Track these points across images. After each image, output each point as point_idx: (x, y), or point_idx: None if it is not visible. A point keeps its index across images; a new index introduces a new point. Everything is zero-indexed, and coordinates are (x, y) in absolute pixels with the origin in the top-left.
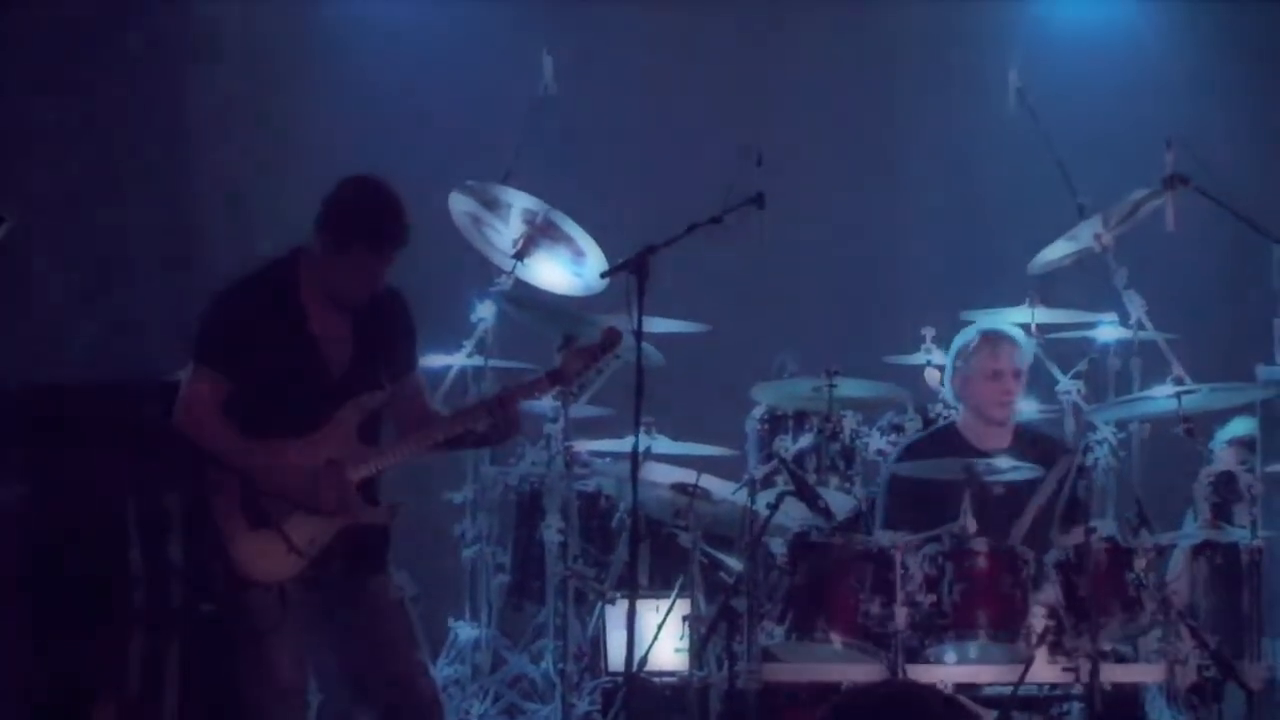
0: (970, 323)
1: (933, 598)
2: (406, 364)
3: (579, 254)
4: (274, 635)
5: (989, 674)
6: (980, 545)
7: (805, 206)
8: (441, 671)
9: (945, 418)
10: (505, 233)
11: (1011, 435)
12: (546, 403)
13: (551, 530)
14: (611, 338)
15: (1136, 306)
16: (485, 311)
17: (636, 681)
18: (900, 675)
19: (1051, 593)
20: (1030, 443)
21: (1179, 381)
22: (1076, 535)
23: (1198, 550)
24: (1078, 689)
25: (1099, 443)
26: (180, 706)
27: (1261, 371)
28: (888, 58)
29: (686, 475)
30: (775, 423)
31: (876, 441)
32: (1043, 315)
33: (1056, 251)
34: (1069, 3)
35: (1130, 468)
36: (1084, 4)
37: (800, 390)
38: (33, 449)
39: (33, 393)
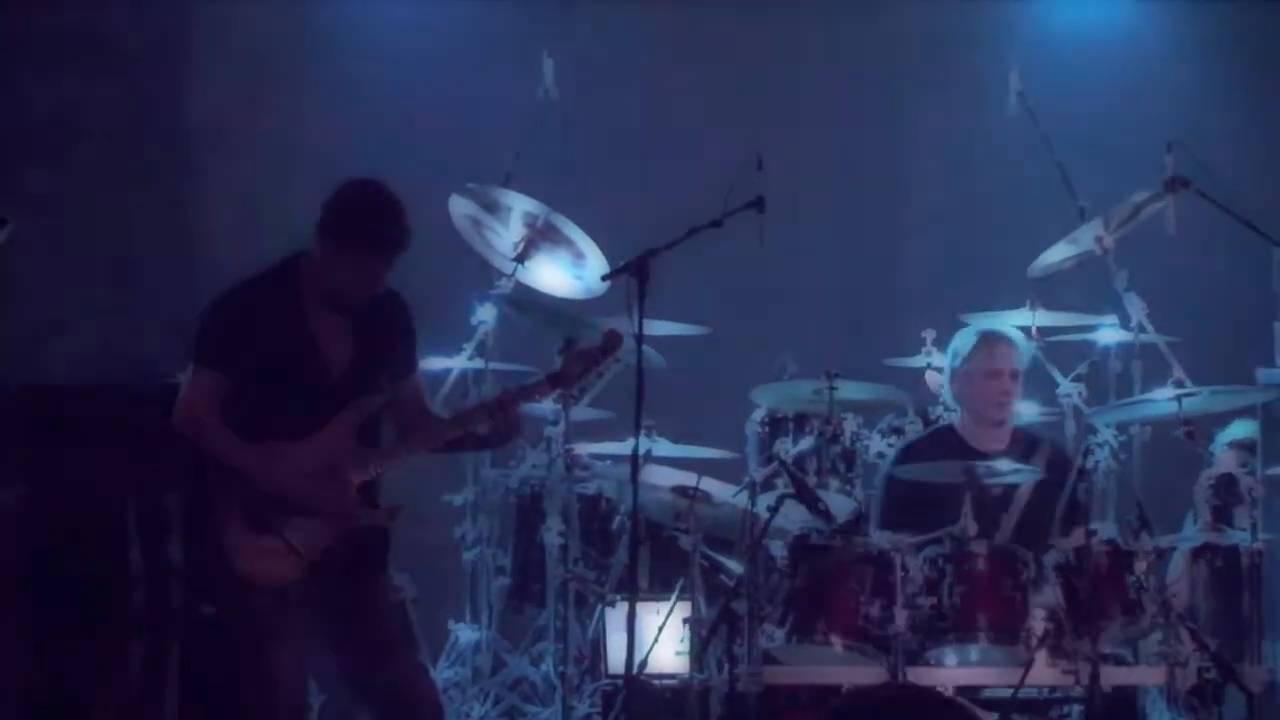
0: (968, 325)
1: (933, 600)
2: (407, 366)
3: (579, 257)
4: (274, 637)
5: (989, 676)
6: (980, 548)
7: (805, 209)
8: (442, 674)
9: (944, 420)
10: (506, 236)
11: (1009, 437)
12: (547, 405)
13: (552, 533)
14: (612, 341)
15: (1137, 309)
16: (486, 314)
17: (637, 684)
18: (901, 678)
19: (1050, 595)
20: (1028, 445)
21: (1179, 384)
22: (1077, 538)
23: (1198, 553)
24: (1078, 691)
25: (1100, 445)
26: (180, 708)
27: (1262, 374)
28: (888, 60)
29: (687, 478)
30: (775, 425)
31: (877, 444)
32: (1043, 318)
33: (1057, 254)
34: (1070, 5)
35: (1131, 470)
36: (1085, 6)
37: (800, 393)
38: (33, 450)
39: (33, 393)
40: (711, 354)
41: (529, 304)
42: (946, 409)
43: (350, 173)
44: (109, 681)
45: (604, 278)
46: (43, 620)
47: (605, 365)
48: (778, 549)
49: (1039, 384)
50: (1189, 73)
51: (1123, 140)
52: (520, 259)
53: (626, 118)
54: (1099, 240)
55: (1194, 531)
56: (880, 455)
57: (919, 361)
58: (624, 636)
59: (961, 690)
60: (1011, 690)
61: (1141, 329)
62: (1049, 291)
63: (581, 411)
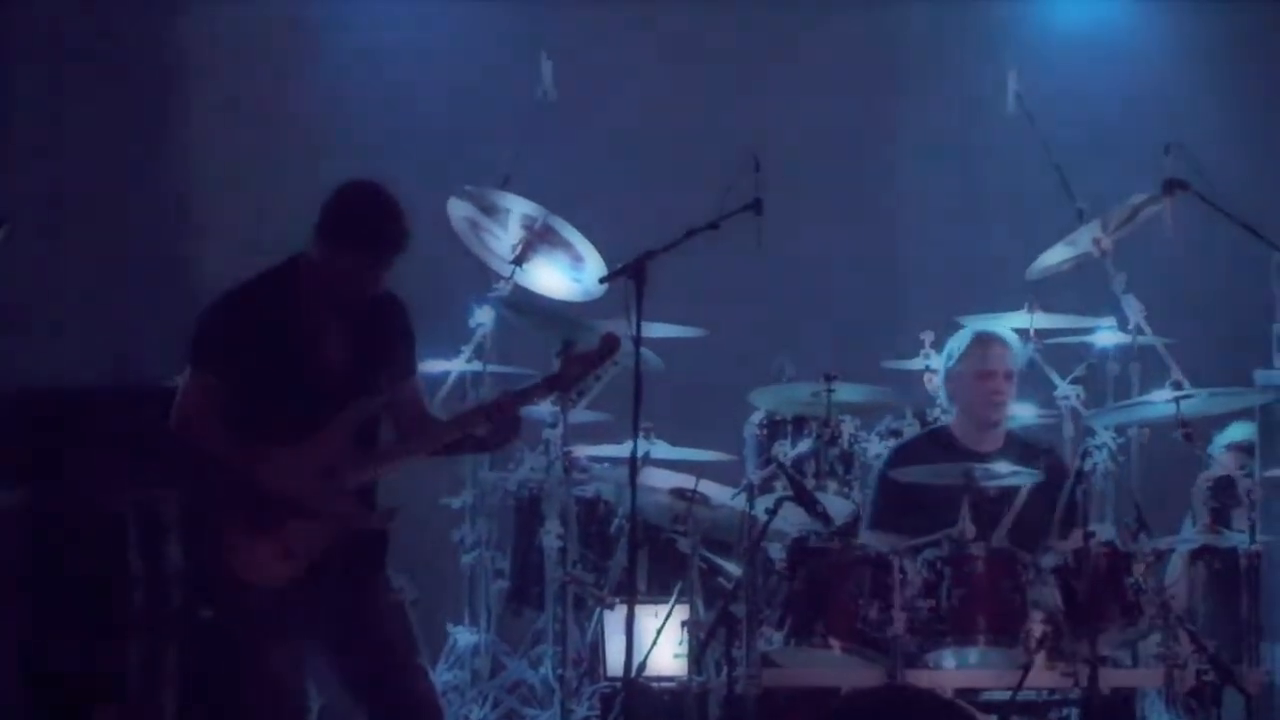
0: (965, 325)
1: (931, 602)
2: (405, 369)
3: (577, 259)
4: (273, 639)
5: (988, 679)
6: (979, 550)
7: (804, 211)
8: (440, 677)
9: (939, 421)
10: (504, 238)
11: (1004, 439)
12: (545, 408)
13: (550, 536)
14: (610, 344)
15: (1135, 311)
16: (484, 317)
17: (635, 687)
18: (899, 680)
19: (1048, 597)
20: (1021, 448)
21: (1178, 386)
22: (1075, 540)
23: (1196, 555)
24: (1076, 694)
25: (1098, 448)
26: (179, 710)
27: (1260, 376)
28: (887, 61)
29: (685, 480)
30: (774, 428)
31: (875, 446)
32: (1041, 320)
33: (1055, 256)
34: (1068, 7)
35: (1129, 472)
36: (1083, 8)
37: (798, 395)
38: (32, 452)
39: (31, 395)
40: (709, 356)
41: (527, 306)
42: (944, 410)
43: (349, 175)
44: (109, 683)
45: (602, 280)
46: (41, 621)
47: (603, 368)
48: (776, 551)
49: (1037, 386)
50: (1188, 75)
51: (1121, 142)
52: (518, 261)
53: (625, 119)
54: (1097, 242)
55: (1192, 533)
56: (879, 458)
57: (917, 364)
58: (622, 639)
59: (960, 692)
60: (1010, 692)
61: (1139, 331)
62: (1047, 293)
63: (580, 414)
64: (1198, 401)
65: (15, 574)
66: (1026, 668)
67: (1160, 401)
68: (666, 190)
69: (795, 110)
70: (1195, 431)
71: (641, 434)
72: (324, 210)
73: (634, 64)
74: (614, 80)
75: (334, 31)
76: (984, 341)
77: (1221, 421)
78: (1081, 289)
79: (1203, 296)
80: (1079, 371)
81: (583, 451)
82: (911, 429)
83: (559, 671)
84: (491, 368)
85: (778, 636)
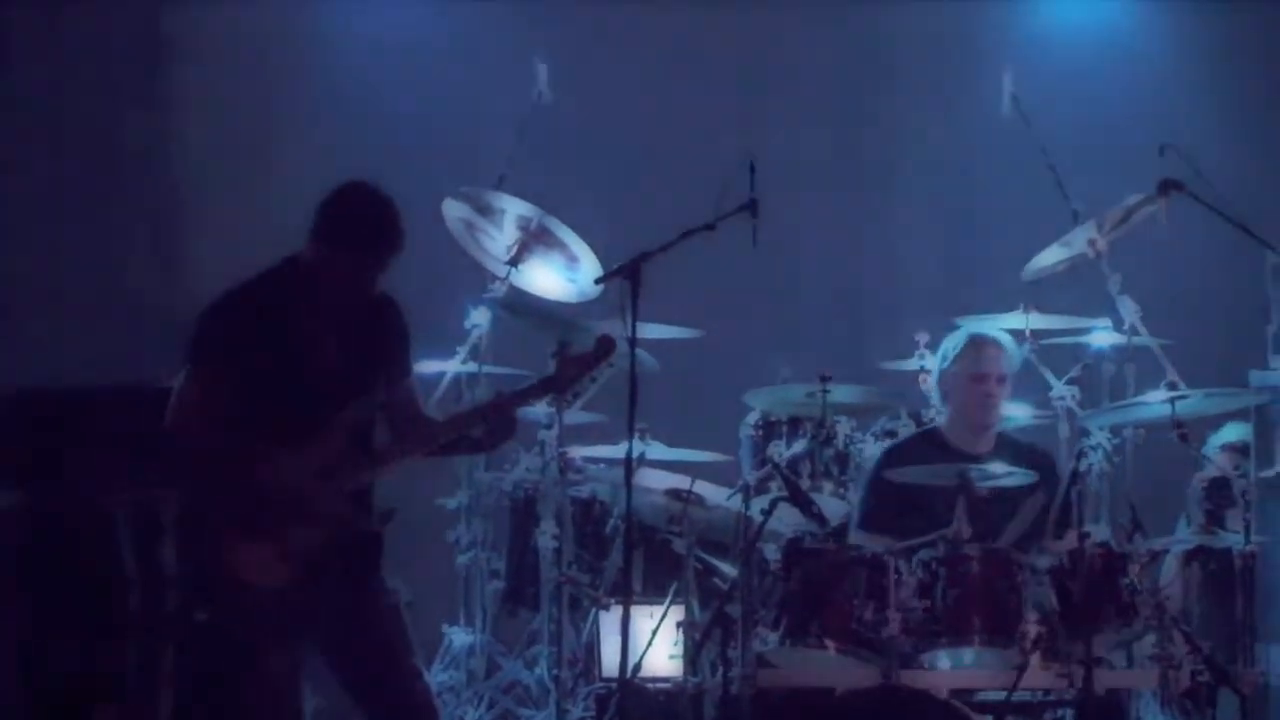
0: (960, 326)
1: (926, 603)
2: (401, 370)
3: (573, 260)
4: (269, 640)
5: (983, 679)
6: (974, 550)
7: (799, 212)
8: (436, 677)
9: (931, 422)
10: (499, 239)
11: (995, 440)
12: (541, 409)
13: (546, 536)
14: (605, 346)
15: (1130, 312)
16: (480, 318)
17: (631, 687)
18: (894, 681)
19: (1043, 597)
20: (1013, 449)
21: (1173, 387)
22: (1070, 541)
23: (1191, 555)
24: (1071, 694)
25: (1093, 448)
26: (177, 711)
27: (1255, 377)
28: (882, 63)
29: (681, 481)
30: (769, 428)
31: (870, 447)
32: (1037, 321)
33: (1050, 257)
34: (1063, 8)
35: (1124, 473)
36: (1078, 9)
37: (794, 396)
38: (27, 453)
39: (28, 396)
40: (705, 357)
41: (523, 307)
42: (938, 411)
43: (344, 177)
44: (106, 685)
45: (597, 281)
46: (39, 624)
47: (599, 370)
48: (771, 552)
49: (1032, 387)
50: (1183, 76)
51: (1116, 143)
52: (514, 262)
53: (620, 121)
54: (1092, 243)
55: (1187, 534)
56: (874, 459)
57: (912, 364)
58: (618, 640)
59: (955, 693)
60: (1005, 693)
61: (1135, 332)
62: (1043, 294)
63: (575, 415)
64: (1193, 402)
65: (13, 574)
66: (1021, 668)
67: (1155, 402)
68: (662, 191)
69: (790, 111)
70: (1190, 432)
71: (637, 435)
72: (320, 211)
73: (629, 66)
74: (609, 82)
75: (331, 34)
76: (978, 344)
77: (1216, 422)
78: (1077, 290)
79: (1198, 297)
80: (1074, 372)
81: (578, 452)
82: (907, 429)
83: (554, 672)
84: (487, 368)
85: (773, 637)
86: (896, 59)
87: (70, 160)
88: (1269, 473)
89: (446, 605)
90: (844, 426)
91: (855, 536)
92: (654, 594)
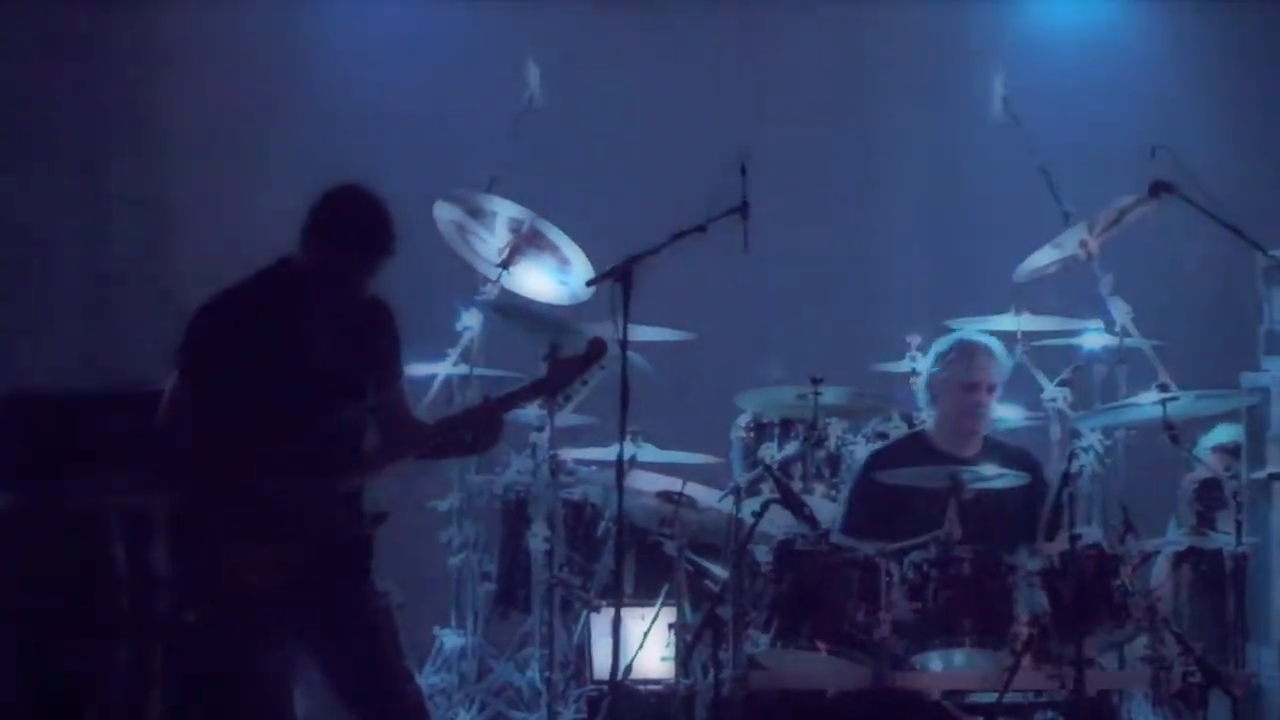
0: (952, 328)
1: (918, 605)
2: (391, 374)
3: (564, 262)
4: (259, 642)
5: (975, 681)
6: (965, 552)
7: (791, 214)
8: (427, 680)
9: (917, 425)
10: (491, 241)
11: (981, 444)
12: (532, 411)
13: (537, 538)
14: (597, 349)
15: (1122, 313)
16: (471, 320)
17: (622, 690)
18: (886, 683)
19: (1034, 599)
20: (1000, 452)
21: (1164, 388)
22: (1061, 543)
23: (1181, 557)
24: (1062, 696)
25: (1085, 450)
26: (169, 712)
27: (1246, 378)
28: (873, 65)
29: (672, 483)
30: (761, 430)
31: (862, 449)
32: (1028, 322)
33: (1042, 259)
34: (1054, 10)
35: (1116, 475)
36: (1069, 11)
37: (785, 398)
38: (18, 455)
39: (18, 399)
40: (696, 359)
41: (514, 310)
42: (929, 414)
43: (335, 179)
44: (95, 687)
45: (589, 283)
46: (31, 622)
47: (590, 372)
48: (763, 554)
49: (1024, 389)
50: (1173, 77)
51: (1107, 144)
52: (505, 264)
53: (611, 124)
54: (1084, 245)
55: (1178, 536)
56: None
57: (904, 366)
58: (609, 642)
59: (947, 695)
60: (997, 695)
61: (1126, 333)
62: (1034, 296)
63: (567, 417)
64: (1184, 403)
65: (4, 575)
66: (1013, 670)
67: (1147, 404)
68: (653, 194)
69: (782, 113)
70: (1181, 434)
71: (628, 437)
72: (311, 214)
73: (621, 69)
74: (601, 85)
75: (322, 37)
76: (970, 351)
77: (1208, 424)
78: (1069, 291)
79: (1189, 299)
80: (1066, 374)
81: (570, 454)
82: (899, 431)
83: (546, 674)
84: (478, 371)
85: (764, 639)
86: (887, 61)
87: (61, 160)
88: (1260, 474)
89: (438, 607)
90: (835, 428)
91: (836, 538)
92: (645, 596)
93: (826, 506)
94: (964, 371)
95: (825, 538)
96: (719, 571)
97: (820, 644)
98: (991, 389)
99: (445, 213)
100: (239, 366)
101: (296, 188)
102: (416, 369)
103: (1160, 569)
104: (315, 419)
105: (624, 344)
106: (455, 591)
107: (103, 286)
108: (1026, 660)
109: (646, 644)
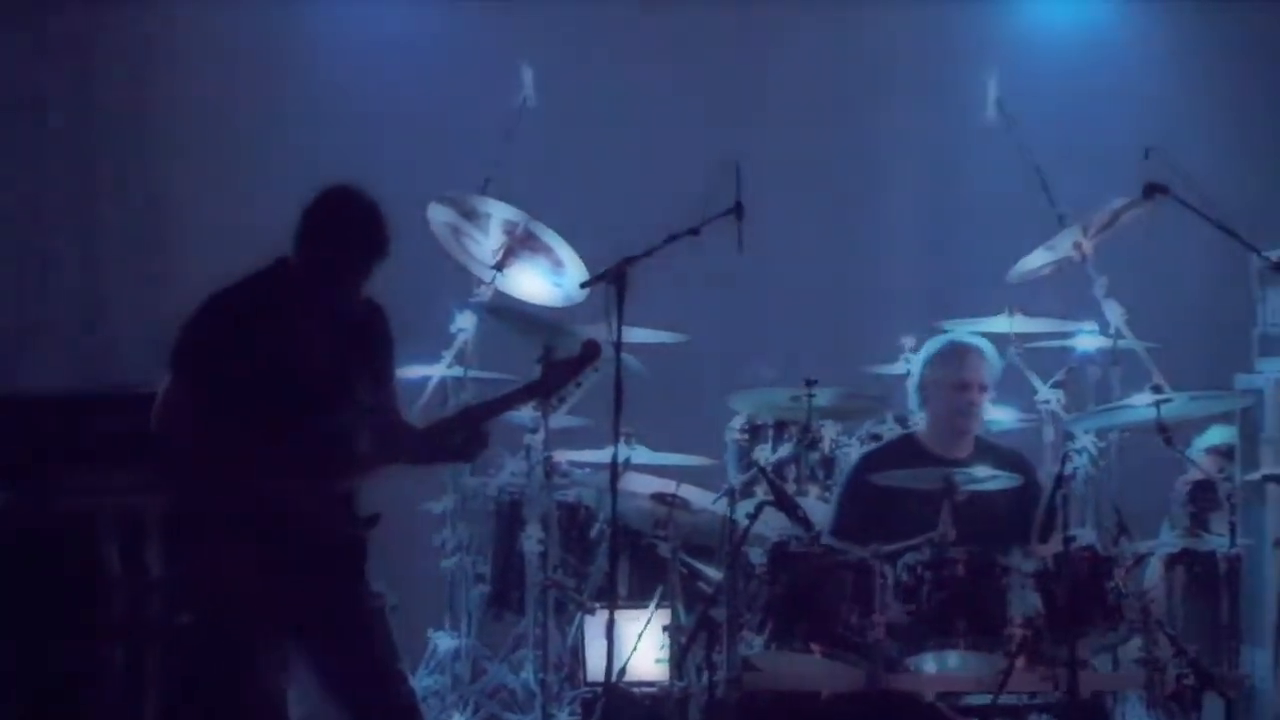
0: (946, 330)
1: (912, 607)
2: (385, 376)
3: (558, 264)
4: (253, 644)
5: (969, 682)
6: (959, 554)
7: (785, 216)
8: (421, 682)
9: (909, 427)
10: (485, 243)
11: (973, 446)
12: (526, 413)
13: (531, 540)
14: (591, 351)
15: (1116, 315)
16: (465, 322)
17: (616, 692)
18: (880, 684)
19: (1028, 601)
20: (992, 454)
21: (1158, 390)
22: (1055, 544)
23: (1175, 559)
24: (1056, 697)
25: (1078, 452)
26: (163, 714)
27: (1240, 380)
28: (867, 67)
29: (666, 485)
30: (755, 432)
31: (856, 451)
32: (1022, 324)
33: (1036, 260)
34: (1049, 11)
35: (1110, 476)
36: (1063, 13)
37: (779, 400)
38: (12, 456)
39: (12, 400)
40: (690, 361)
41: (508, 312)
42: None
43: (329, 181)
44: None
45: (583, 285)
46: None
47: (584, 374)
48: (757, 556)
49: (1017, 390)
50: (1167, 79)
51: (1101, 146)
52: (499, 266)
53: (605, 125)
54: (1078, 246)
55: (1172, 537)
56: None
57: (898, 368)
58: (603, 644)
59: (941, 696)
60: (991, 696)
61: (1120, 335)
62: (1028, 298)
63: (561, 419)
64: (1178, 405)
65: None
66: (1007, 672)
67: (1141, 405)
68: (647, 195)
69: (776, 114)
70: (1175, 435)
71: (622, 439)
72: (306, 215)
73: (615, 70)
74: (595, 86)
75: (315, 38)
76: (961, 352)
77: (1201, 425)
78: (1062, 293)
79: (1183, 300)
80: (1060, 376)
81: (564, 456)
82: (893, 433)
83: (540, 676)
84: (473, 373)
85: (758, 641)
86: (881, 62)
87: (54, 162)
88: (1254, 476)
89: (432, 610)
90: (829, 430)
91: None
92: (639, 598)
93: (820, 508)
94: (955, 372)
95: (819, 539)
96: (713, 573)
97: (814, 646)
98: (983, 389)
99: (439, 214)
100: (233, 368)
101: (293, 188)
102: (411, 371)
103: (1154, 571)
104: (310, 420)
105: (618, 346)
106: (449, 593)
107: (101, 286)
108: (1020, 662)
109: (641, 646)
